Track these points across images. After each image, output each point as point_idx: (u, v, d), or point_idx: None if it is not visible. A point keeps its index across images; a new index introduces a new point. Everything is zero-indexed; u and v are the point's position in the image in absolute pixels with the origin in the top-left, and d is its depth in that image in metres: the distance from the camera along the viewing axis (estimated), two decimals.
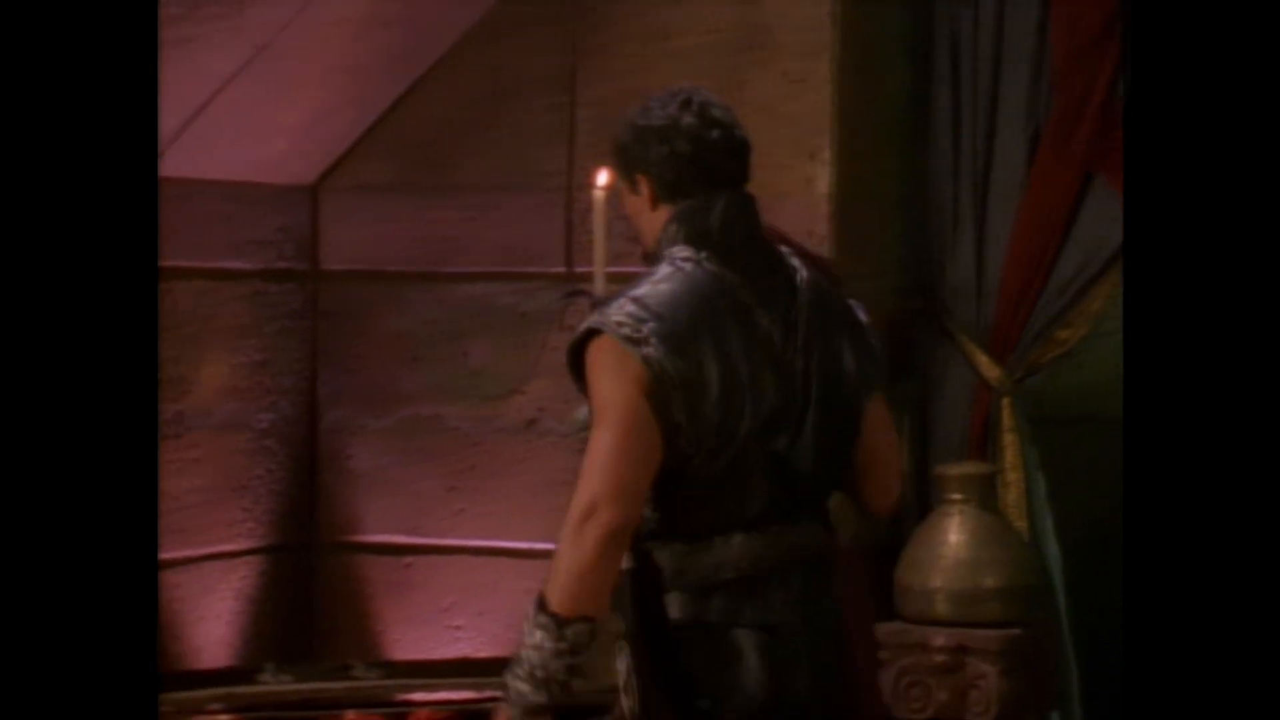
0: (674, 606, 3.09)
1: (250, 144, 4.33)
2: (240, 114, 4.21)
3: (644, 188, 3.19)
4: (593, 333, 3.05)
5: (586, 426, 3.09)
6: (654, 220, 3.19)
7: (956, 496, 4.17)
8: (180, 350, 4.28)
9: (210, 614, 4.37)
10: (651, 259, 3.21)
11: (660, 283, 3.11)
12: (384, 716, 3.96)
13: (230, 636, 4.40)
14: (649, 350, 3.04)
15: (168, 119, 4.09)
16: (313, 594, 4.57)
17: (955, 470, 4.20)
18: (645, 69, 4.38)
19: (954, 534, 4.15)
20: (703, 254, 3.14)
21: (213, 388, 4.37)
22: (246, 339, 4.45)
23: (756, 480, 3.11)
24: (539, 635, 2.96)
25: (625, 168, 3.21)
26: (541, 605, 2.97)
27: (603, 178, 4.18)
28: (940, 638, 4.08)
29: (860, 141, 4.33)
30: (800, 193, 4.28)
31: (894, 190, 4.47)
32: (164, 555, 4.25)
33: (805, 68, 4.28)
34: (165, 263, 4.23)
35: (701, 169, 3.17)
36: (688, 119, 3.19)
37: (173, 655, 4.26)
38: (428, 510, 4.56)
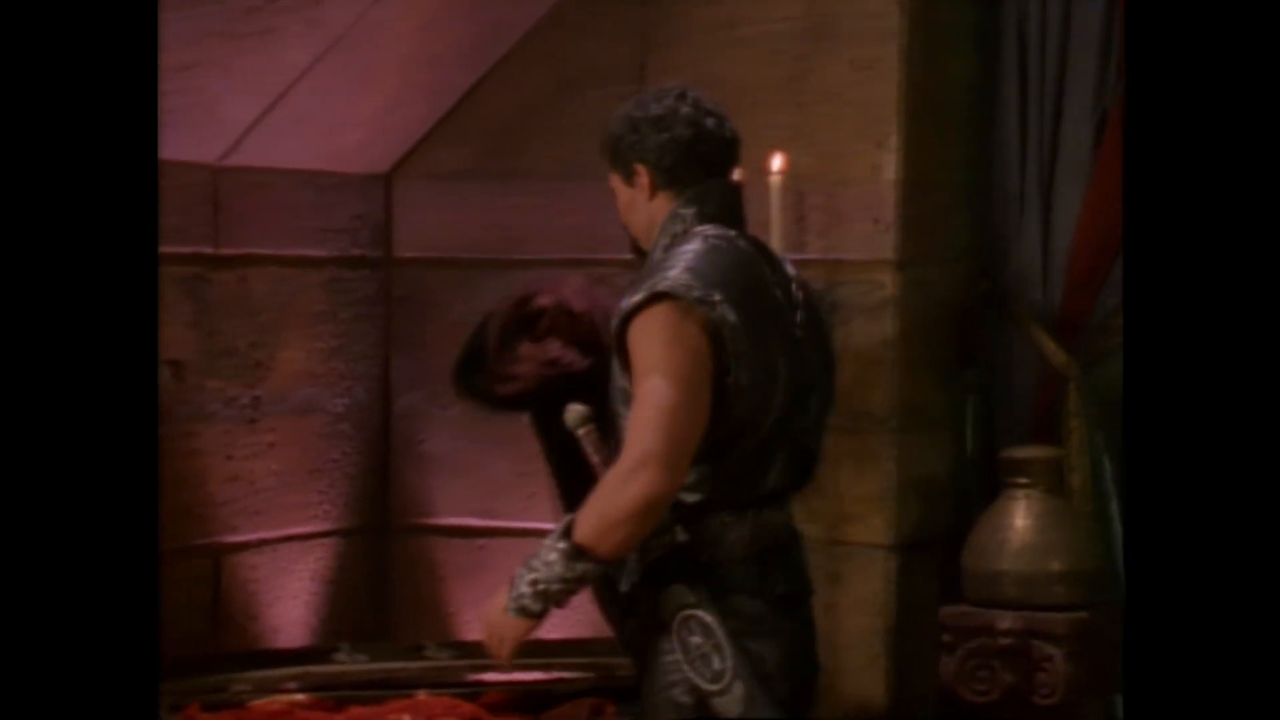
0: (723, 578, 3.18)
1: (326, 134, 4.37)
2: (317, 104, 4.24)
3: (643, 177, 3.27)
4: (657, 296, 3.11)
5: (588, 420, 3.16)
6: (651, 210, 3.28)
7: (1022, 480, 4.18)
8: (258, 336, 4.33)
9: (287, 594, 4.42)
10: (640, 251, 3.30)
11: (705, 255, 3.19)
12: (456, 696, 3.98)
13: (306, 617, 4.45)
14: (719, 313, 3.12)
15: (246, 109, 4.16)
16: (387, 575, 4.61)
17: (1021, 454, 4.22)
18: (713, 58, 4.41)
19: (1020, 518, 4.17)
20: (732, 232, 3.23)
21: (289, 373, 4.41)
22: (322, 325, 4.48)
23: (781, 454, 3.23)
24: (553, 556, 3.10)
25: (622, 159, 3.28)
26: (567, 531, 3.09)
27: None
28: (1006, 621, 4.10)
29: (927, 128, 4.33)
30: (867, 179, 4.29)
31: (961, 176, 4.48)
32: (242, 537, 4.33)
33: (873, 55, 4.29)
34: (245, 250, 4.33)
35: (700, 156, 3.27)
36: (685, 109, 3.29)
37: (250, 635, 4.32)
38: (500, 494, 4.61)
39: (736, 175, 3.43)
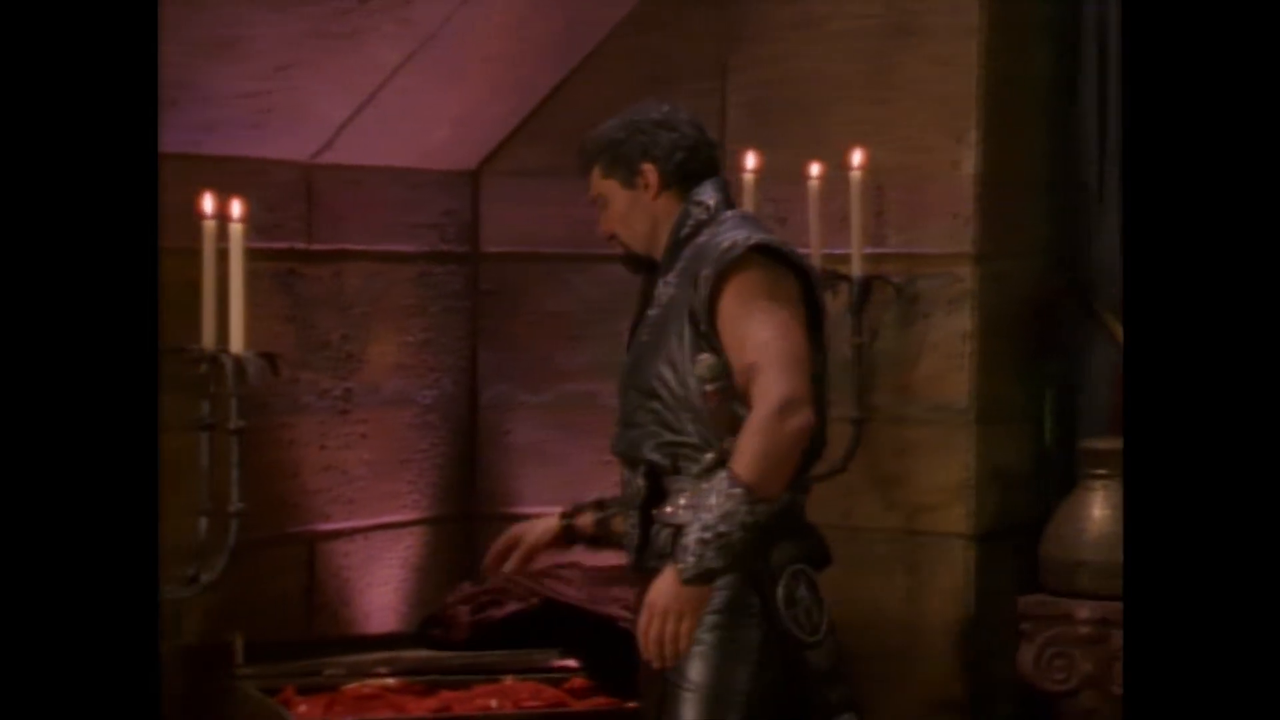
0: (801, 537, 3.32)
1: (416, 131, 4.43)
2: (406, 103, 4.30)
3: (650, 176, 3.36)
4: (756, 249, 3.20)
5: (721, 374, 3.20)
6: (654, 210, 3.37)
7: (1101, 471, 4.21)
8: (350, 330, 4.39)
9: (377, 581, 4.47)
10: (632, 259, 3.39)
11: (759, 224, 3.34)
12: (541, 682, 4.02)
13: (396, 603, 4.50)
14: (806, 263, 3.30)
15: (338, 108, 4.22)
16: (474, 563, 4.63)
17: (1100, 445, 4.24)
18: (795, 55, 4.45)
19: (1098, 508, 4.19)
20: (749, 212, 3.37)
21: (380, 365, 4.46)
22: (412, 319, 4.54)
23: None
24: (730, 504, 3.10)
25: (625, 161, 3.36)
26: (734, 480, 3.11)
27: (752, 160, 4.31)
28: (1085, 610, 4.12)
29: (1007, 122, 4.36)
30: (947, 174, 4.32)
31: (1039, 170, 4.50)
32: (334, 526, 4.40)
33: (953, 50, 4.31)
34: (337, 245, 4.40)
35: (701, 155, 3.38)
36: (682, 114, 3.42)
37: (342, 620, 4.38)
38: (583, 483, 4.65)
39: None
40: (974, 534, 4.32)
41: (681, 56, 4.56)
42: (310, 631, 4.30)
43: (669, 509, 3.28)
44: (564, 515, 3.57)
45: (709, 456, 3.21)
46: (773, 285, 3.22)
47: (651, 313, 3.33)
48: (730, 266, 3.21)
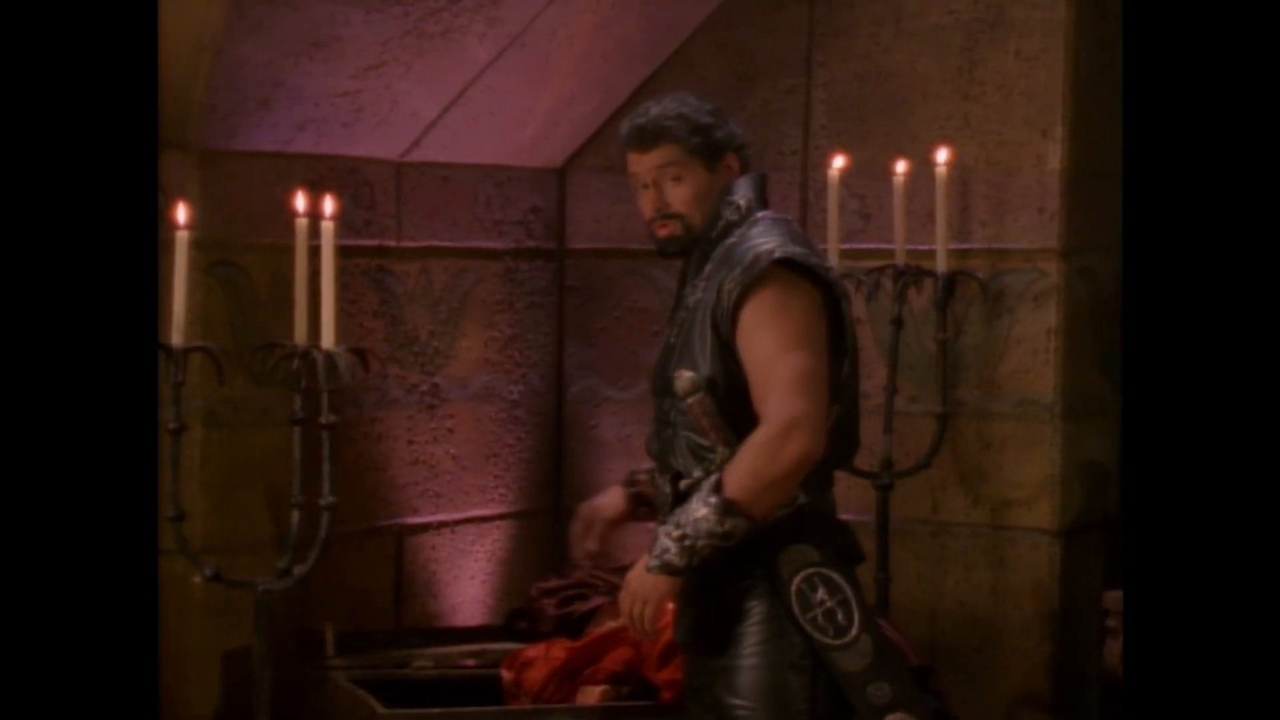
0: (830, 538, 3.30)
1: (504, 129, 4.45)
2: (495, 101, 4.33)
3: (732, 163, 3.34)
4: (780, 263, 3.20)
5: (697, 389, 3.20)
6: (714, 198, 3.33)
7: None
8: (438, 325, 4.42)
9: (464, 574, 4.51)
10: (668, 248, 3.35)
11: (790, 232, 3.30)
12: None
13: (483, 596, 4.54)
14: (833, 275, 3.27)
15: (428, 106, 4.26)
16: (560, 557, 4.65)
17: None
18: (881, 51, 4.46)
19: None
20: (785, 216, 3.35)
21: (468, 361, 4.50)
22: (499, 314, 4.57)
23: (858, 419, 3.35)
24: (704, 512, 3.15)
25: (714, 148, 3.33)
26: (718, 488, 3.14)
27: (840, 160, 4.32)
28: None
29: (1093, 118, 4.34)
30: (1033, 168, 4.32)
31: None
32: (422, 519, 4.44)
33: (1039, 45, 4.31)
34: (426, 242, 4.45)
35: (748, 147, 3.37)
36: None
37: (430, 613, 4.42)
38: None
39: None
40: (1059, 529, 4.32)
41: (766, 53, 4.57)
42: (398, 623, 4.34)
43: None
44: (626, 484, 3.55)
45: (719, 456, 3.22)
46: (791, 301, 3.19)
47: (680, 314, 3.33)
48: (754, 280, 3.20)
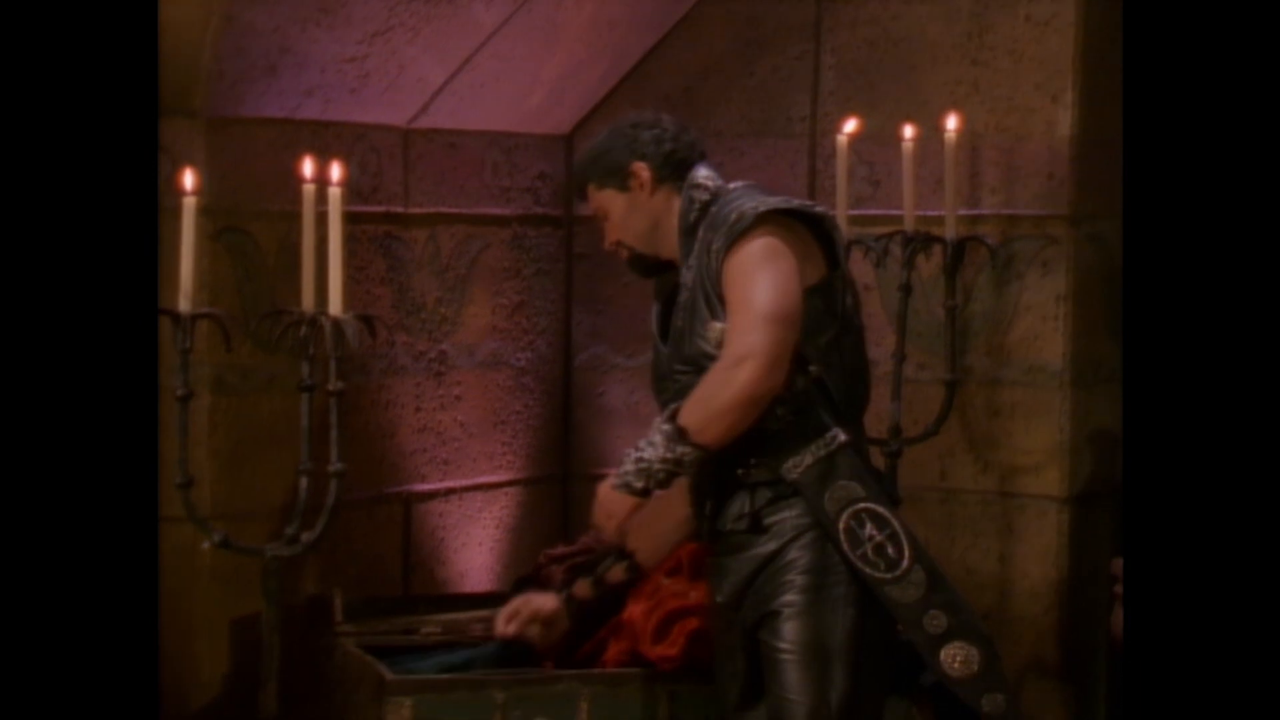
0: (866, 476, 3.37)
1: (511, 95, 4.45)
2: (502, 67, 4.32)
3: (642, 174, 3.42)
4: (779, 211, 3.27)
5: (679, 441, 3.27)
6: (652, 207, 3.43)
7: None
8: (445, 292, 4.43)
9: (473, 541, 4.52)
10: (640, 264, 3.46)
11: (768, 193, 3.37)
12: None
13: (491, 563, 4.54)
14: (821, 210, 3.35)
15: (435, 72, 4.25)
16: (567, 523, 4.69)
17: None
18: (890, 16, 4.44)
19: None
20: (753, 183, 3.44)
21: (475, 328, 4.50)
22: (506, 281, 4.57)
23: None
24: (658, 439, 3.26)
25: (614, 166, 3.43)
26: (673, 416, 3.24)
27: (851, 125, 4.30)
28: None
29: (1103, 83, 4.32)
30: (1042, 135, 4.31)
31: None
32: (430, 486, 4.44)
33: (1049, 11, 4.29)
34: (434, 209, 4.44)
35: (685, 143, 3.45)
36: (660, 114, 3.50)
37: (439, 580, 4.43)
38: None
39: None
40: (1068, 496, 4.32)
41: (775, 19, 4.55)
42: (406, 590, 4.35)
43: None
44: (563, 591, 3.72)
45: None
46: (773, 247, 3.26)
47: (682, 298, 3.39)
48: (739, 235, 3.24)
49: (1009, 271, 4.34)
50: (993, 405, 4.36)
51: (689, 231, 3.38)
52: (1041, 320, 4.32)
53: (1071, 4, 4.28)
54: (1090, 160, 4.33)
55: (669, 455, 3.24)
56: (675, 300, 3.42)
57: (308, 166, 3.68)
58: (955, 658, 3.30)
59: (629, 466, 3.30)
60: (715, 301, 3.28)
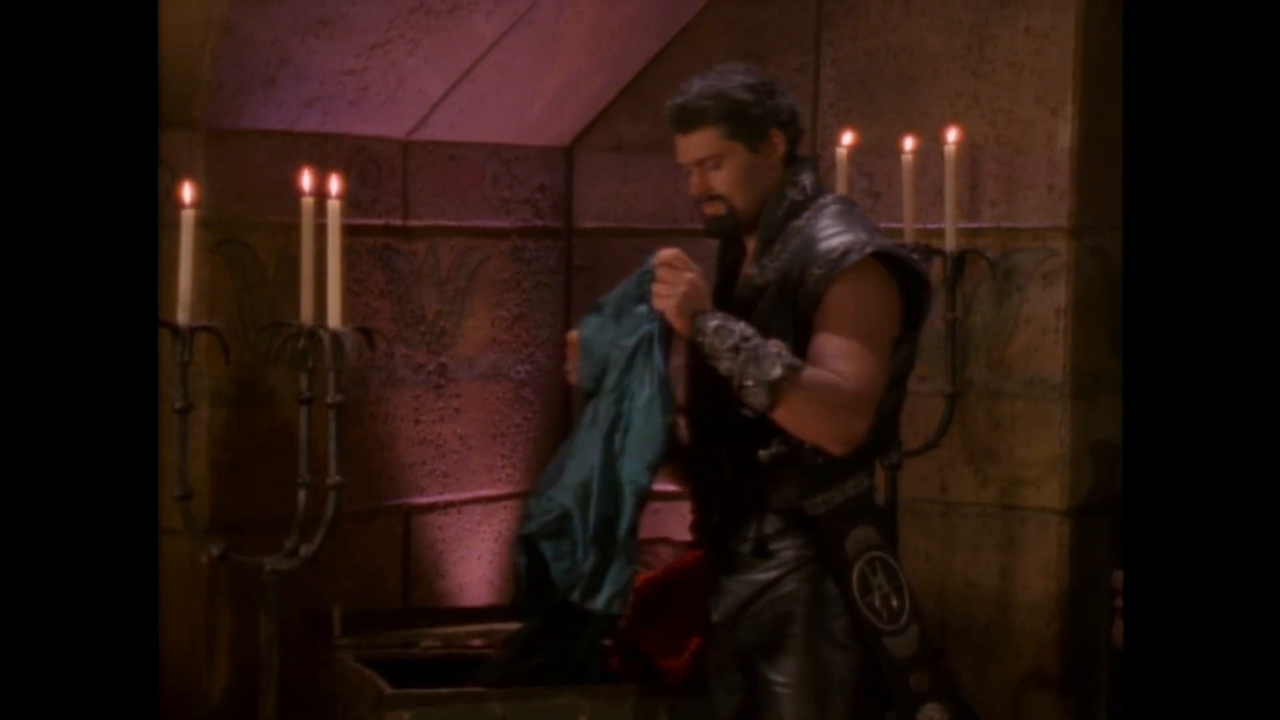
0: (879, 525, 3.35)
1: (511, 107, 4.45)
2: (502, 79, 4.33)
3: (780, 145, 3.30)
4: (874, 254, 3.20)
5: (780, 382, 3.15)
6: (766, 179, 3.30)
7: None
8: (445, 304, 4.43)
9: (472, 554, 4.52)
10: (717, 228, 3.31)
11: (863, 218, 3.29)
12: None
13: (490, 576, 4.54)
14: (922, 269, 3.28)
15: (435, 84, 4.26)
16: None
17: None
18: (891, 28, 4.44)
19: None
20: (847, 198, 3.37)
21: (475, 340, 4.50)
22: (506, 294, 4.57)
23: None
24: (773, 347, 3.14)
25: (755, 125, 3.27)
26: (794, 366, 3.14)
27: (849, 137, 4.30)
28: None
29: (1103, 95, 4.33)
30: (1042, 147, 4.31)
31: None
32: (429, 499, 4.44)
33: (1049, 23, 4.30)
34: (433, 221, 4.44)
35: (801, 125, 3.34)
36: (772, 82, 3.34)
37: (438, 593, 4.43)
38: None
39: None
40: (1068, 508, 4.31)
41: (775, 30, 4.56)
42: (405, 603, 4.35)
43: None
44: None
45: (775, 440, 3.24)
46: (881, 293, 3.21)
47: (743, 293, 3.31)
48: (846, 269, 3.18)
49: (1009, 284, 4.33)
50: (993, 418, 4.36)
51: (772, 226, 3.26)
52: (1042, 333, 4.32)
53: (1071, 16, 4.28)
54: (1090, 173, 4.33)
55: (763, 354, 3.10)
56: (732, 280, 3.34)
57: (307, 178, 3.67)
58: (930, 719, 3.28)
59: (718, 324, 3.14)
60: (788, 322, 3.20)
